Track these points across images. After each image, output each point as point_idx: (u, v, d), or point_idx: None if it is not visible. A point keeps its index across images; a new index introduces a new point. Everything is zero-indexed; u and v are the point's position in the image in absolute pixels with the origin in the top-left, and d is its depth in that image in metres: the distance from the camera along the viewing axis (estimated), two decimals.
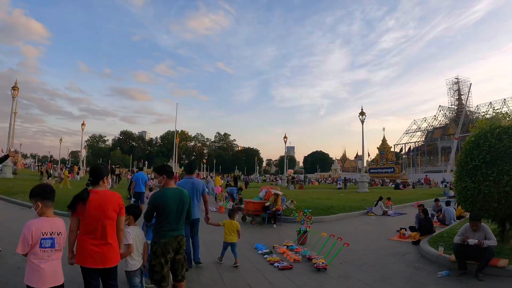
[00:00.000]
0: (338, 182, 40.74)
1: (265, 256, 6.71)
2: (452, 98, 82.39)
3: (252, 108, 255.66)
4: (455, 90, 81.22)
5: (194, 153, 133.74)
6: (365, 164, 76.66)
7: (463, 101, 78.44)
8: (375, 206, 14.70)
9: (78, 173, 36.18)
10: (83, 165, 51.64)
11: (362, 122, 29.18)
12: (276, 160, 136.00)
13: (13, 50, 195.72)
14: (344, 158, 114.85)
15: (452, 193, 25.17)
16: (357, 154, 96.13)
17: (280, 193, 11.69)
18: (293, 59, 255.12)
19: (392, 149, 74.60)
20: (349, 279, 5.66)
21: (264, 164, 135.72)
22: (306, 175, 72.59)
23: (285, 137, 41.79)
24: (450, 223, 11.17)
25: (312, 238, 8.21)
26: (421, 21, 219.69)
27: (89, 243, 3.17)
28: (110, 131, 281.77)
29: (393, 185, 40.96)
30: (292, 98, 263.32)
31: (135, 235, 4.03)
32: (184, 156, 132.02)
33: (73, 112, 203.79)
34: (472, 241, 5.65)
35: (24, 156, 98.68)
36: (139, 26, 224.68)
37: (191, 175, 6.40)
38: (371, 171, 70.07)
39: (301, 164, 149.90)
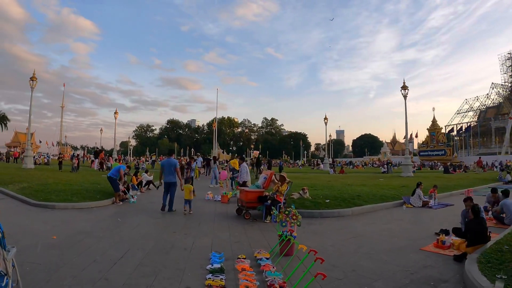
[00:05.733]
0: (384, 165, 38.52)
1: (208, 276, 4.41)
2: (505, 75, 74.92)
3: (301, 93, 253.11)
4: (508, 66, 73.98)
5: (241, 139, 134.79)
6: (415, 146, 71.99)
7: None
8: (412, 195, 12.22)
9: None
10: (129, 155, 52.46)
11: (405, 97, 26.81)
12: (324, 145, 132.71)
13: (63, 48, 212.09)
14: (394, 141, 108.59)
15: (510, 177, 22.58)
16: (406, 136, 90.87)
17: (283, 175, 9.10)
18: (340, 42, 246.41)
19: (443, 131, 69.35)
20: None
21: (312, 148, 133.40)
22: (334, 159, 69.75)
23: (325, 118, 40.54)
24: None
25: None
26: None
27: None
28: (162, 121, 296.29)
29: (443, 169, 37.94)
30: (341, 81, 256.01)
31: None
32: (231, 142, 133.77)
33: (125, 104, 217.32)
34: None
35: (75, 148, 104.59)
36: (186, 16, 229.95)
37: (170, 156, 10.54)
38: (421, 153, 65.87)
39: (350, 148, 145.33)
